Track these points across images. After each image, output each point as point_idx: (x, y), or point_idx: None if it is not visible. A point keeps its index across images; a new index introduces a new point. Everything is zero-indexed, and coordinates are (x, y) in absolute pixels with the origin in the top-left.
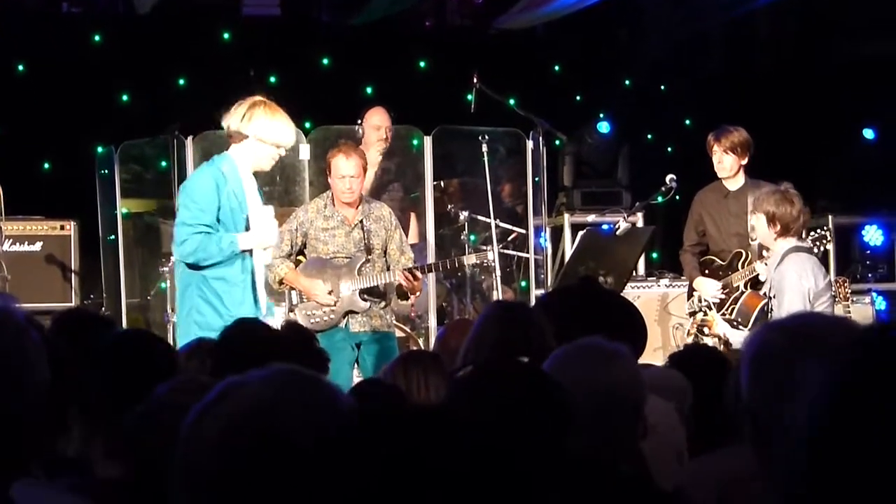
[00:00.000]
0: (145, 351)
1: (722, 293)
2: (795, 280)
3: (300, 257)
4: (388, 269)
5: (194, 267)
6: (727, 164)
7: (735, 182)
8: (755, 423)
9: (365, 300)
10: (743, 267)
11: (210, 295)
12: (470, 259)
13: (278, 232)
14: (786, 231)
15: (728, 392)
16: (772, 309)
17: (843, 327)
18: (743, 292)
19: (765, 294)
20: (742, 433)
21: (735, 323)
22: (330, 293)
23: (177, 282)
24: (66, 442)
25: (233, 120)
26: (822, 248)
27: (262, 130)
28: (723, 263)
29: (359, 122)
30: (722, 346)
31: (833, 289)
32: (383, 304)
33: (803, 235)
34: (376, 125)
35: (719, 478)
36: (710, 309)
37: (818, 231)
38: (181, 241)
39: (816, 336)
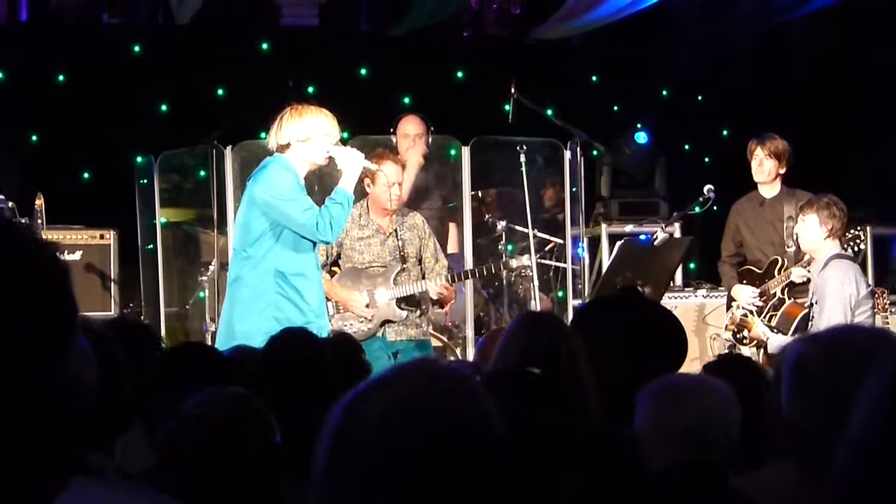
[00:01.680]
0: (207, 360)
1: (759, 300)
2: (838, 286)
3: (334, 267)
4: (424, 277)
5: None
6: (766, 168)
7: (771, 189)
8: (799, 438)
9: (402, 309)
10: (779, 273)
11: (291, 292)
12: (507, 265)
13: (359, 154)
14: (835, 233)
15: (769, 405)
16: (813, 315)
17: (885, 340)
18: (781, 299)
19: (807, 304)
20: (782, 448)
21: (775, 329)
22: (367, 306)
23: (239, 278)
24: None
25: (271, 139)
26: (857, 248)
27: (296, 132)
28: (760, 272)
29: (392, 130)
30: (759, 350)
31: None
32: (419, 312)
33: (845, 246)
34: (405, 133)
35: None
36: (751, 314)
37: (852, 231)
38: (313, 225)
39: (859, 349)
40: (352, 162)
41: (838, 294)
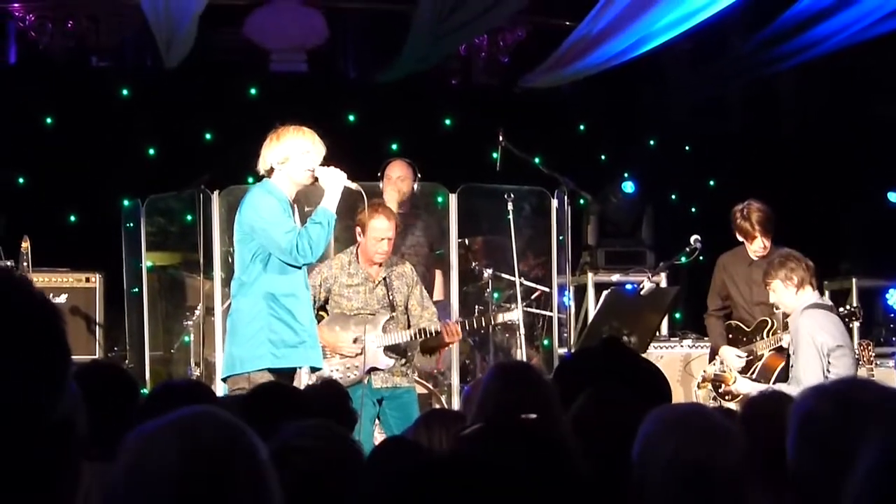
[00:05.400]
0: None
1: (745, 360)
2: (807, 335)
3: (321, 312)
4: (410, 325)
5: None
6: (763, 243)
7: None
8: (805, 490)
9: (388, 357)
10: (768, 336)
11: (283, 313)
12: (495, 317)
13: (341, 173)
14: (802, 283)
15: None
16: (792, 364)
17: (894, 397)
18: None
19: (786, 354)
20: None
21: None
22: (355, 341)
23: (236, 305)
24: None
25: (258, 166)
26: (851, 324)
27: (275, 155)
28: (748, 330)
29: (379, 175)
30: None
31: (857, 351)
32: (405, 360)
33: (825, 295)
34: (388, 176)
35: None
36: (728, 371)
37: (848, 308)
38: (293, 246)
39: (868, 405)
40: (333, 181)
41: (809, 342)
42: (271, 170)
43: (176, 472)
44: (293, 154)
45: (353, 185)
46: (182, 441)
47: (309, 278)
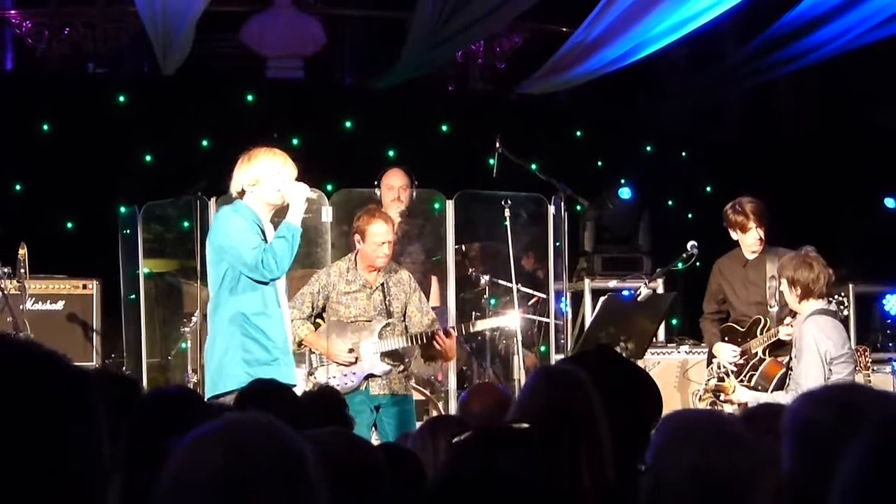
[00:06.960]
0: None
1: (740, 359)
2: (811, 341)
3: (318, 319)
4: (408, 332)
5: (237, 303)
6: (759, 236)
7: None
8: (802, 497)
9: (385, 363)
10: (762, 333)
11: (254, 331)
12: (491, 323)
13: (303, 185)
14: (807, 293)
15: None
16: (792, 367)
17: (887, 401)
18: (762, 359)
19: (786, 361)
20: None
21: (759, 388)
22: (350, 351)
23: (212, 326)
24: None
25: (230, 188)
26: (840, 315)
27: (245, 177)
28: (742, 330)
29: (376, 183)
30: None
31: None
32: (402, 367)
33: (829, 300)
34: (389, 185)
35: None
36: (728, 376)
37: (836, 297)
38: (257, 263)
39: (863, 410)
40: (297, 195)
41: (813, 349)
42: (242, 192)
43: (222, 476)
44: (264, 175)
45: (313, 195)
46: (228, 446)
47: (307, 285)
